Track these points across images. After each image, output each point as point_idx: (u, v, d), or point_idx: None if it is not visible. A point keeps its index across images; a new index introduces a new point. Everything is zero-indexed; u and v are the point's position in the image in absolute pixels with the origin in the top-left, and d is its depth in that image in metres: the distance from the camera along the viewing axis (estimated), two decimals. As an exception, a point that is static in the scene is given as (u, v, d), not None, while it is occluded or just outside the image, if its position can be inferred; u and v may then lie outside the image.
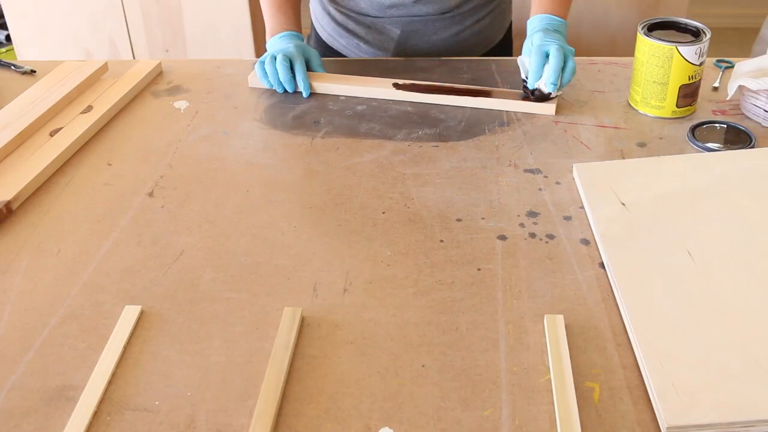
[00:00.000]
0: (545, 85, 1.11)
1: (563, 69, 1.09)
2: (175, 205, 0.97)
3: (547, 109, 1.13)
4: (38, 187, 1.01)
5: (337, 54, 1.42)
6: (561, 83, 1.11)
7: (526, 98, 1.14)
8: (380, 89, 1.19)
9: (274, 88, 1.21)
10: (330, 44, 1.43)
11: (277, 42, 1.24)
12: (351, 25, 1.36)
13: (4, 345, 0.76)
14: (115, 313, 0.79)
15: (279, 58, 1.18)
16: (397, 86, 1.19)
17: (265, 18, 1.28)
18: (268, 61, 1.19)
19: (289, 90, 1.20)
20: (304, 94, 1.20)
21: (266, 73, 1.19)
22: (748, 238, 0.84)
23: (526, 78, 1.13)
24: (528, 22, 1.20)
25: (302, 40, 1.26)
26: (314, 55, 1.24)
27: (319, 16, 1.43)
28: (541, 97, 1.13)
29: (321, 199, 0.97)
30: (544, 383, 0.70)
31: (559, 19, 1.17)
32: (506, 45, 1.47)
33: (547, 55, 1.10)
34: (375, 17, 1.34)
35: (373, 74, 1.27)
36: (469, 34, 1.37)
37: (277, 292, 0.82)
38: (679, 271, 0.80)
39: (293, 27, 1.26)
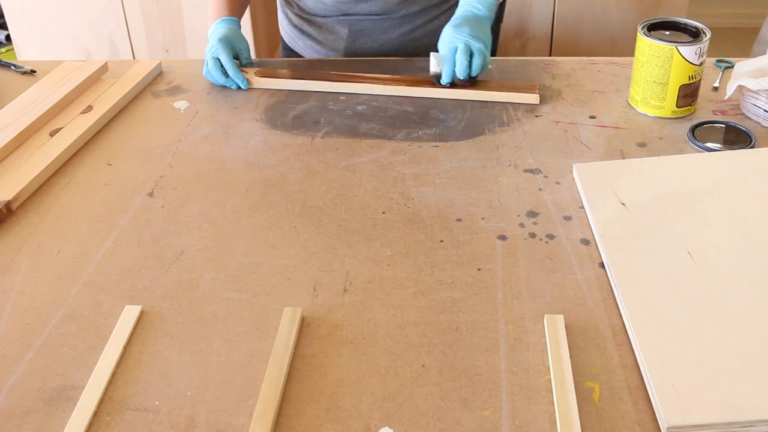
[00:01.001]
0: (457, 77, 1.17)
1: (470, 64, 1.15)
2: (175, 205, 0.97)
3: (531, 98, 1.16)
4: (38, 187, 1.01)
5: (299, 56, 1.44)
6: (470, 74, 1.16)
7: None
8: (337, 84, 1.22)
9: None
10: (291, 47, 1.45)
11: (213, 30, 1.27)
12: (305, 26, 1.38)
13: (4, 345, 0.76)
14: (115, 313, 0.79)
15: (210, 64, 1.22)
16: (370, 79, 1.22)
17: (209, 10, 1.32)
18: (204, 68, 1.24)
19: (233, 87, 1.23)
20: (242, 86, 1.23)
21: (211, 79, 1.24)
22: (748, 238, 0.84)
23: (435, 73, 1.18)
24: (459, 2, 1.23)
25: (236, 24, 1.28)
26: (243, 46, 1.26)
27: (281, 20, 1.46)
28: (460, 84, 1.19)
29: (321, 199, 0.97)
30: (544, 383, 0.70)
31: (479, 6, 1.20)
32: (492, 43, 1.47)
33: (455, 52, 1.15)
34: (323, 17, 1.35)
35: (374, 74, 1.27)
36: (422, 33, 1.37)
37: (277, 292, 0.82)
38: (679, 271, 0.80)
39: (227, 12, 1.29)
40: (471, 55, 1.15)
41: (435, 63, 1.18)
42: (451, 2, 1.38)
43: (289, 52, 1.46)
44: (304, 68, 1.31)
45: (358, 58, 1.35)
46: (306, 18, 1.37)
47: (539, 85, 1.19)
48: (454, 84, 1.18)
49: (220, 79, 1.22)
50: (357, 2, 1.31)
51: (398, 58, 1.34)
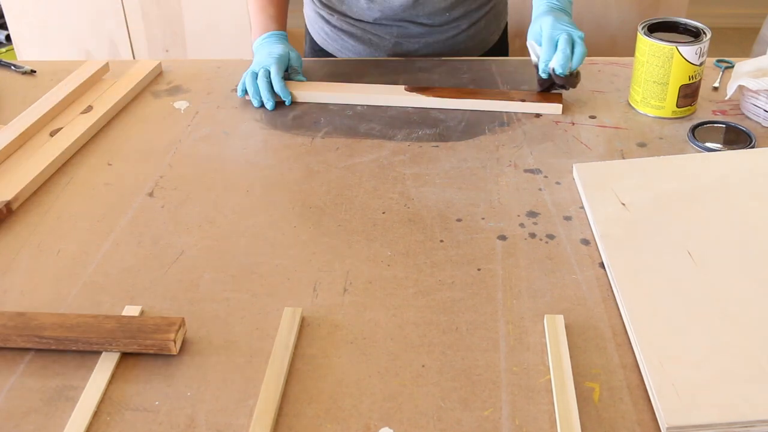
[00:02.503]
0: (555, 68, 1.10)
1: (572, 54, 1.08)
2: (175, 205, 0.96)
3: (554, 108, 1.13)
4: (38, 187, 1.01)
5: (330, 56, 1.42)
6: (571, 68, 1.09)
7: (543, 84, 1.14)
8: (379, 96, 1.18)
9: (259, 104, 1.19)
10: (324, 47, 1.43)
11: (262, 45, 1.23)
12: (347, 28, 1.36)
13: (4, 345, 0.76)
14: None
15: (260, 75, 1.17)
16: (408, 89, 1.18)
17: (251, 19, 1.29)
18: (249, 80, 1.18)
19: (268, 108, 1.17)
20: (287, 102, 1.18)
21: (249, 90, 1.18)
22: (748, 238, 0.84)
23: (537, 64, 1.12)
24: (534, 1, 1.18)
25: (286, 38, 1.26)
26: (295, 57, 1.23)
27: (312, 20, 1.44)
28: (559, 83, 1.12)
29: (321, 199, 0.97)
30: (544, 383, 0.70)
31: None
32: (503, 46, 1.47)
33: (557, 43, 1.09)
34: (368, 22, 1.34)
35: (374, 74, 1.27)
36: (465, 37, 1.37)
37: (277, 292, 0.82)
38: (679, 271, 0.80)
39: (276, 27, 1.26)
40: (573, 45, 1.08)
41: (535, 53, 1.13)
42: (491, 5, 1.37)
43: (320, 53, 1.43)
44: (339, 74, 1.28)
45: (354, 59, 1.35)
46: (346, 21, 1.36)
47: (561, 95, 1.15)
48: (548, 81, 1.12)
49: (265, 91, 1.16)
50: (405, 9, 1.29)
51: (397, 58, 1.34)
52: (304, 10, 1.47)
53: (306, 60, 1.35)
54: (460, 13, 1.33)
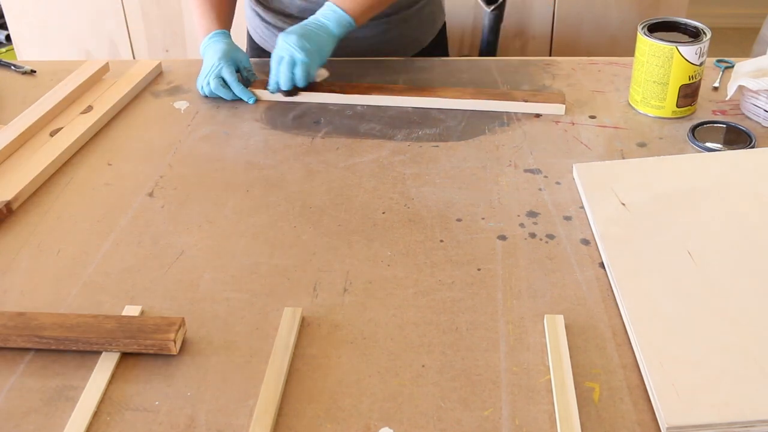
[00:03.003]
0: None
1: (294, 74, 1.16)
2: (175, 205, 0.96)
3: (556, 109, 1.13)
4: (38, 187, 1.01)
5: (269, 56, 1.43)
6: (295, 83, 1.17)
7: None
8: (380, 96, 1.18)
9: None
10: (262, 46, 1.43)
11: (208, 45, 1.23)
12: (279, 24, 1.37)
13: (4, 345, 0.76)
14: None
15: (213, 84, 1.19)
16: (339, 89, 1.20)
17: (195, 23, 1.29)
18: (206, 88, 1.20)
19: (243, 98, 1.20)
20: (249, 102, 1.20)
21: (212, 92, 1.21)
22: (748, 238, 0.84)
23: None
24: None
25: (229, 36, 1.26)
26: (244, 58, 1.24)
27: (250, 19, 1.45)
28: (288, 94, 1.19)
29: (321, 199, 0.97)
30: (544, 383, 0.70)
31: (340, 12, 1.18)
32: (439, 46, 1.47)
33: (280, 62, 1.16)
34: (297, 17, 1.33)
35: (374, 74, 1.27)
36: (396, 34, 1.36)
37: (277, 292, 0.82)
38: (679, 271, 0.80)
39: (219, 26, 1.26)
40: (294, 66, 1.15)
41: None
42: (421, 4, 1.37)
43: (260, 51, 1.44)
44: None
45: (354, 59, 1.35)
46: (279, 17, 1.36)
47: (564, 95, 1.15)
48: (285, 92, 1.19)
49: (228, 96, 1.20)
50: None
51: (397, 58, 1.34)
52: (245, 9, 1.47)
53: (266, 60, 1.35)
54: (390, 10, 1.33)
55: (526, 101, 1.14)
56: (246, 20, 1.48)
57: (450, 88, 1.18)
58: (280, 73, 1.16)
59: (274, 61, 1.17)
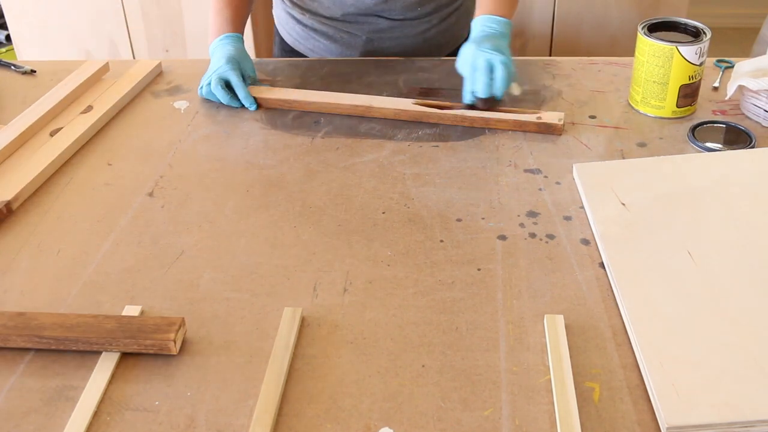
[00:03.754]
0: (477, 92, 1.10)
1: (492, 79, 1.08)
2: (175, 205, 0.96)
3: (553, 117, 1.10)
4: (38, 187, 1.01)
5: (302, 56, 1.42)
6: (493, 91, 1.09)
7: (469, 107, 1.12)
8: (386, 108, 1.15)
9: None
10: (296, 48, 1.43)
11: (218, 47, 1.22)
12: (318, 27, 1.36)
13: (4, 345, 0.76)
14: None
15: (213, 84, 1.17)
16: (418, 104, 1.15)
17: (209, 23, 1.27)
18: (205, 87, 1.19)
19: (235, 105, 1.19)
20: (250, 109, 1.18)
21: (212, 98, 1.20)
22: (748, 238, 0.84)
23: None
24: (472, 23, 1.18)
25: (241, 41, 1.25)
26: (249, 66, 1.22)
27: (282, 21, 1.43)
28: (480, 106, 1.11)
29: (321, 199, 0.97)
30: (544, 383, 0.70)
31: (501, 18, 1.15)
32: None
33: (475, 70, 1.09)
34: (340, 20, 1.34)
35: (374, 74, 1.27)
36: (436, 32, 1.37)
37: (277, 292, 0.82)
38: (679, 271, 0.80)
39: (232, 29, 1.24)
40: (492, 71, 1.08)
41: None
42: (461, 0, 1.38)
43: (291, 53, 1.44)
44: (306, 78, 1.28)
45: (354, 59, 1.35)
46: (318, 20, 1.36)
47: (563, 115, 1.10)
48: (474, 106, 1.11)
49: (224, 99, 1.18)
50: (377, 3, 1.30)
51: (397, 58, 1.34)
52: (274, 11, 1.46)
53: (308, 60, 1.35)
54: (431, 8, 1.34)
55: (540, 119, 1.10)
56: (276, 21, 1.47)
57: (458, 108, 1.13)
58: (476, 81, 1.08)
59: (467, 71, 1.10)
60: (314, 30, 1.37)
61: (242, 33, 1.27)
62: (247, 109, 1.18)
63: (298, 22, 1.39)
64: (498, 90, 1.09)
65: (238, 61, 1.20)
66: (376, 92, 1.20)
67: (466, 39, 1.41)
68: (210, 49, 1.24)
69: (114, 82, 1.25)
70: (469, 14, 1.41)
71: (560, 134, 1.09)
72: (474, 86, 1.10)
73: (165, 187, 1.00)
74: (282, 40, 1.46)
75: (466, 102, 1.12)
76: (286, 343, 0.74)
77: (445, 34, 1.38)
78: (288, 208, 0.95)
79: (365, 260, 0.86)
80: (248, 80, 1.21)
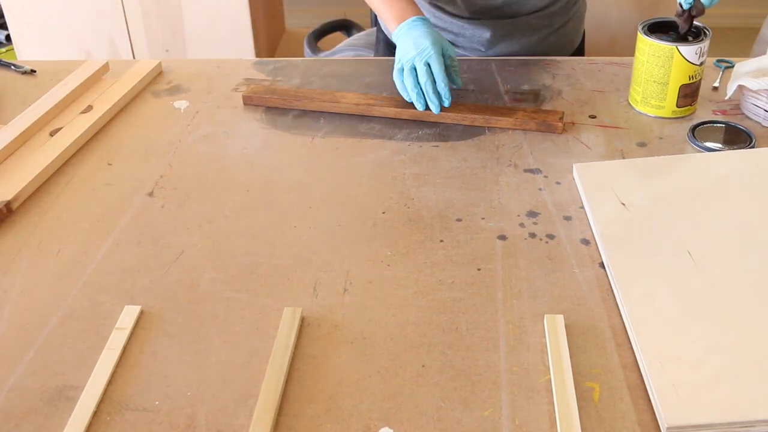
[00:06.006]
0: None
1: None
2: (175, 205, 0.96)
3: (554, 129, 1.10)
4: (38, 187, 1.01)
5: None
6: None
7: (682, 16, 1.07)
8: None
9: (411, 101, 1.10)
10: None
11: (411, 28, 1.10)
12: (440, 27, 1.32)
13: (4, 345, 0.76)
14: (115, 313, 0.79)
15: (422, 70, 1.06)
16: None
17: (378, 10, 1.17)
18: (407, 72, 1.08)
19: (420, 106, 1.08)
20: (435, 112, 1.08)
21: (411, 91, 1.09)
22: (748, 238, 0.84)
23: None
24: None
25: (431, 24, 1.13)
26: (449, 47, 1.11)
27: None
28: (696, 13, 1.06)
29: (321, 199, 0.97)
30: (544, 383, 0.70)
31: None
32: (581, 51, 1.46)
33: None
34: (465, 19, 1.31)
35: (374, 74, 1.27)
36: (555, 37, 1.35)
37: (277, 292, 0.82)
38: (679, 271, 0.80)
39: (417, 12, 1.14)
40: None
41: None
42: (577, 6, 1.37)
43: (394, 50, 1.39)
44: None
45: (353, 59, 1.35)
46: (443, 21, 1.32)
47: (563, 113, 1.11)
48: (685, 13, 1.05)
49: (429, 89, 1.06)
50: (504, 3, 1.27)
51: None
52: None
53: (305, 60, 1.35)
54: (554, 10, 1.32)
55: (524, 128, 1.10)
56: (381, 22, 1.40)
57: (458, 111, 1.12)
58: None
59: None
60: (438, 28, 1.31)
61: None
62: (247, 109, 1.18)
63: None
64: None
65: (441, 44, 1.09)
66: (376, 92, 1.20)
67: (578, 45, 1.40)
68: (396, 35, 1.12)
69: (114, 82, 1.25)
70: (581, 20, 1.40)
71: (561, 133, 1.09)
72: None
73: (165, 187, 1.00)
74: (388, 40, 1.40)
75: (685, 6, 1.04)
76: (286, 343, 0.74)
77: (563, 38, 1.37)
78: (288, 208, 0.95)
79: (365, 260, 0.86)
80: (448, 60, 1.11)
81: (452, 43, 1.32)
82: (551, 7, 1.32)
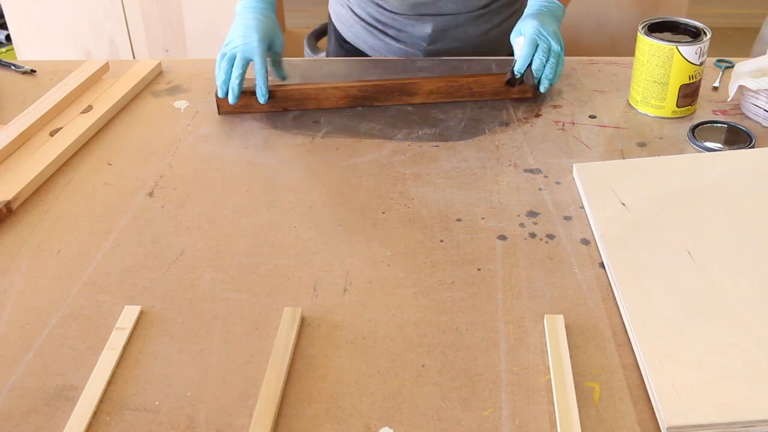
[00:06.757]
0: (534, 78, 1.13)
1: (545, 66, 1.12)
2: (175, 205, 0.96)
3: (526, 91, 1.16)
4: (38, 187, 1.01)
5: (362, 55, 1.40)
6: (535, 76, 1.13)
7: (510, 81, 1.16)
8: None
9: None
10: (356, 45, 1.40)
11: (245, 11, 1.12)
12: (381, 26, 1.35)
13: (4, 345, 0.76)
14: (115, 313, 0.79)
15: (239, 64, 1.09)
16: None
17: None
18: (226, 59, 1.10)
19: (231, 101, 1.12)
20: (261, 101, 1.13)
21: (218, 77, 1.12)
22: (748, 238, 0.84)
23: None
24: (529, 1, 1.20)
25: (273, 9, 1.15)
26: (279, 41, 1.14)
27: (342, 18, 1.41)
28: (521, 82, 1.15)
29: (321, 199, 0.97)
30: (544, 383, 0.70)
31: (559, 4, 1.18)
32: None
33: (537, 48, 1.12)
34: (406, 15, 1.32)
35: (374, 74, 1.27)
36: (497, 32, 1.36)
37: (277, 292, 0.82)
38: (679, 271, 0.80)
39: None
40: (548, 58, 1.12)
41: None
42: (521, 0, 1.38)
43: (351, 52, 1.41)
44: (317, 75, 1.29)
45: (354, 59, 1.35)
46: (383, 16, 1.34)
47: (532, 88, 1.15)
48: (515, 80, 1.14)
49: (236, 82, 1.09)
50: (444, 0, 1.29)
51: (397, 58, 1.34)
52: (331, 8, 1.44)
53: (305, 60, 1.35)
54: (495, 7, 1.34)
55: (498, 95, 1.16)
56: (333, 17, 1.44)
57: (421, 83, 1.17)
58: (535, 59, 1.11)
59: (527, 47, 1.11)
60: (376, 28, 1.35)
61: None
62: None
63: (360, 19, 1.37)
64: (548, 80, 1.12)
65: (270, 36, 1.11)
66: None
67: None
68: (237, 8, 1.14)
69: (114, 82, 1.25)
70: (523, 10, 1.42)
71: (534, 97, 1.15)
72: (527, 63, 1.12)
73: (165, 187, 1.00)
74: (340, 36, 1.42)
75: (517, 75, 1.14)
76: (286, 343, 0.74)
77: (506, 34, 1.37)
78: (288, 208, 0.95)
79: (365, 260, 0.86)
80: (273, 56, 1.14)
81: (395, 39, 1.35)
82: (492, 5, 1.33)
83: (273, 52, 1.16)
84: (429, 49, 1.35)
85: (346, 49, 1.43)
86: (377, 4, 1.34)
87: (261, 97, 1.13)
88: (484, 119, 1.13)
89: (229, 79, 1.12)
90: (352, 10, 1.38)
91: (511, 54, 1.39)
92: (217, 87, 1.13)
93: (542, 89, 1.13)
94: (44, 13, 2.23)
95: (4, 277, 0.85)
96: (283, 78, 1.19)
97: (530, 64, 1.12)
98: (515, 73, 1.14)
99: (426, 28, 1.33)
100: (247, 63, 1.12)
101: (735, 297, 0.76)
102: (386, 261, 0.86)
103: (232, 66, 1.11)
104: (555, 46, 1.12)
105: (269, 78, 1.14)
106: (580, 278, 0.82)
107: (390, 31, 1.35)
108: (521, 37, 1.14)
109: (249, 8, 1.15)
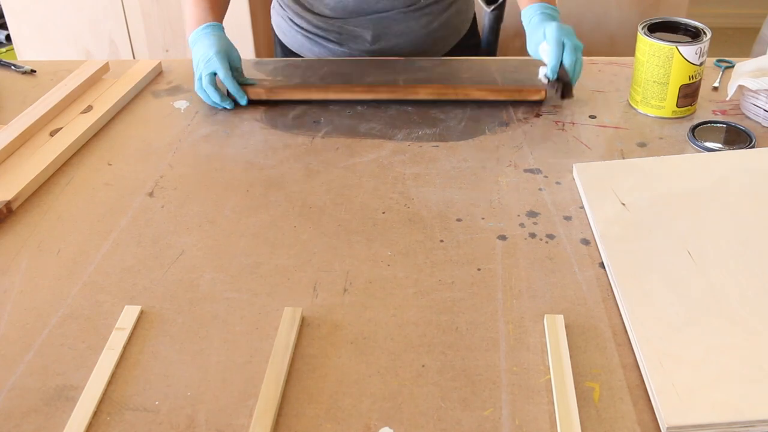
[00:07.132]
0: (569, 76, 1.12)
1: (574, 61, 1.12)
2: (175, 205, 0.96)
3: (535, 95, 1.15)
4: (38, 187, 1.01)
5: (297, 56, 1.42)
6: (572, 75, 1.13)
7: (553, 90, 1.14)
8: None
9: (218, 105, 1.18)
10: (301, 54, 1.42)
11: (200, 37, 1.18)
12: (322, 32, 1.36)
13: (4, 345, 0.76)
14: (115, 313, 0.79)
15: (205, 80, 1.15)
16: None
17: (186, 13, 1.23)
18: (204, 82, 1.16)
19: (227, 106, 1.18)
20: (241, 102, 1.18)
21: (200, 94, 1.18)
22: (748, 238, 0.84)
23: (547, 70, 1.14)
24: (525, 12, 1.20)
25: (223, 30, 1.21)
26: (236, 56, 1.20)
27: (284, 29, 1.43)
28: (565, 89, 1.13)
29: (321, 199, 0.97)
30: (544, 383, 0.70)
31: (554, 6, 1.19)
32: (474, 35, 1.49)
33: (564, 47, 1.12)
34: (344, 19, 1.33)
35: (374, 74, 1.27)
36: (438, 25, 1.37)
37: (277, 292, 0.82)
38: (679, 271, 0.80)
39: (213, 17, 1.21)
40: (576, 53, 1.12)
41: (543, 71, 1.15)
42: None
43: (291, 54, 1.44)
44: (302, 75, 1.30)
45: (353, 59, 1.35)
46: (321, 23, 1.35)
47: (545, 90, 1.15)
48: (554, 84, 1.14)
49: (214, 97, 1.15)
50: (378, 1, 1.30)
51: (397, 58, 1.34)
52: (273, 20, 1.46)
53: (307, 60, 1.35)
54: (432, 1, 1.34)
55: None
56: (276, 29, 1.46)
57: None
58: (565, 58, 1.11)
59: (554, 47, 1.11)
60: (317, 35, 1.37)
61: (221, 22, 1.23)
62: (247, 109, 1.18)
63: (300, 29, 1.38)
64: (577, 78, 1.13)
65: (226, 51, 1.17)
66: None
67: (467, 32, 1.42)
68: (190, 40, 1.20)
69: (114, 82, 1.25)
70: (467, 6, 1.43)
71: (543, 99, 1.15)
72: (559, 63, 1.12)
73: (165, 187, 1.00)
74: (285, 46, 1.44)
75: (549, 76, 1.13)
76: (286, 343, 0.74)
77: (447, 26, 1.39)
78: (288, 208, 0.95)
79: (365, 260, 0.86)
80: (234, 72, 1.18)
81: (337, 43, 1.36)
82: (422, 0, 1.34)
83: (233, 68, 1.19)
84: (374, 50, 1.36)
85: (287, 53, 1.45)
86: (313, 12, 1.35)
87: (240, 99, 1.17)
88: (484, 119, 1.13)
89: (220, 94, 1.17)
90: (291, 20, 1.40)
91: (456, 45, 1.41)
92: (224, 107, 1.18)
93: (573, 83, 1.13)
94: (44, 13, 2.23)
95: (4, 277, 0.85)
96: (254, 83, 1.21)
97: (561, 64, 1.12)
98: (549, 77, 1.13)
99: (366, 29, 1.34)
100: (213, 75, 1.16)
101: (735, 297, 0.76)
102: (386, 261, 0.86)
103: (213, 83, 1.16)
104: (578, 43, 1.12)
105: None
106: (580, 278, 0.82)
107: (332, 36, 1.36)
108: (544, 42, 1.13)
109: (200, 36, 1.18)
